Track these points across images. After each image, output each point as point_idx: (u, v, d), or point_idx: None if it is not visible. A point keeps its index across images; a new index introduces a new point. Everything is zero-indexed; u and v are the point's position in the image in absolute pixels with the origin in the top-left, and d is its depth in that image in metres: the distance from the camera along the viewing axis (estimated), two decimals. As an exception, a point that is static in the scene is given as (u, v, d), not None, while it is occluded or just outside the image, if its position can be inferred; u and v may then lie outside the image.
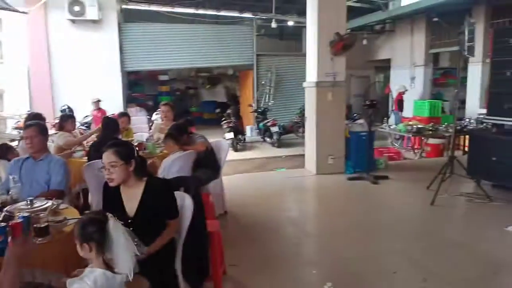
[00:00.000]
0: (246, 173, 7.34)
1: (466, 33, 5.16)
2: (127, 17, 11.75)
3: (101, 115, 8.29)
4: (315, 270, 3.51)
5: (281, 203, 5.45)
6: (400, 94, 11.17)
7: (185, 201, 2.59)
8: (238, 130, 10.45)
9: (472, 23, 5.23)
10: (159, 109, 6.42)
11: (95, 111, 8.76)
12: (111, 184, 2.40)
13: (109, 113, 7.63)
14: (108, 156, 2.36)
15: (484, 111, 6.68)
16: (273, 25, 11.57)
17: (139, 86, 14.91)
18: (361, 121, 7.77)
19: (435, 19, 10.54)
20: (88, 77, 10.05)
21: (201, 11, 11.52)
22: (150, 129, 6.90)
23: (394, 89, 11.37)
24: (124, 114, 5.84)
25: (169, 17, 11.79)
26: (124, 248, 1.84)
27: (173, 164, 4.01)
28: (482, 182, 5.45)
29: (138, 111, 11.13)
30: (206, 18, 12.12)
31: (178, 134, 4.37)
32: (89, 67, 10.11)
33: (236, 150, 9.90)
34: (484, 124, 6.95)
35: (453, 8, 9.91)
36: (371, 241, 4.09)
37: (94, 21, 9.91)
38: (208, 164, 4.54)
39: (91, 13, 9.63)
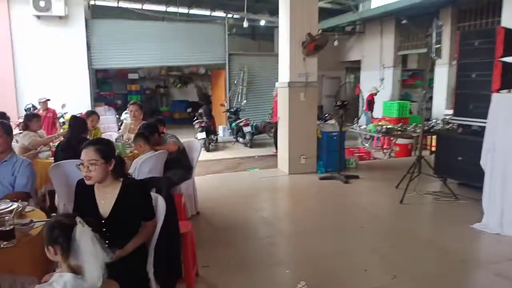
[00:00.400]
0: (218, 173, 7.29)
1: (434, 35, 5.30)
2: (95, 13, 11.46)
3: (52, 116, 7.83)
4: (288, 269, 3.51)
5: (254, 203, 5.44)
6: (371, 95, 11.40)
7: (157, 202, 2.54)
8: (210, 130, 10.38)
9: (440, 26, 5.37)
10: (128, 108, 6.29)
11: (43, 112, 7.60)
12: (88, 183, 2.33)
13: (72, 113, 7.25)
14: (88, 154, 2.29)
15: (451, 111, 6.88)
16: (245, 24, 11.56)
17: (108, 85, 14.59)
18: (332, 121, 7.89)
19: (404, 21, 10.81)
20: (54, 75, 9.74)
21: (171, 9, 11.37)
22: (119, 128, 6.74)
23: (366, 90, 11.60)
24: (93, 113, 5.67)
25: (138, 15, 11.60)
26: (91, 255, 1.74)
27: (144, 165, 3.93)
28: (449, 180, 5.62)
29: (106, 110, 10.87)
30: (177, 16, 11.98)
31: (149, 134, 4.29)
32: (55, 65, 9.79)
33: (208, 150, 9.83)
34: (451, 125, 7.18)
35: (421, 11, 10.20)
36: (343, 239, 4.14)
37: (60, 17, 9.61)
38: (180, 165, 4.48)
39: (57, 8, 9.32)
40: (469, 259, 3.65)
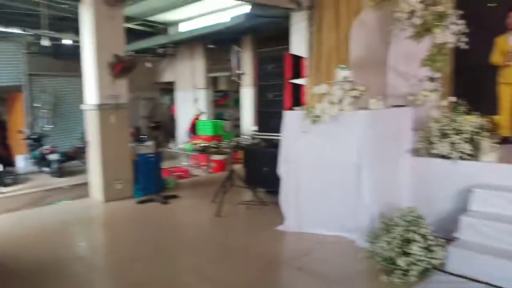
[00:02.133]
0: (17, 211, 6.32)
1: (234, 60, 5.82)
2: None
3: None
4: (103, 305, 3.28)
5: (64, 239, 4.89)
6: (196, 118, 11.69)
7: None
8: (6, 161, 8.96)
9: (237, 52, 5.92)
10: None
11: None
12: None
13: None
14: None
15: (256, 128, 7.57)
16: (46, 43, 10.50)
17: None
18: (149, 142, 7.78)
19: (210, 46, 11.55)
20: None
21: None
22: None
23: (183, 110, 11.87)
24: None
25: None
26: None
27: None
28: (258, 190, 6.17)
29: None
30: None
31: None
32: None
33: (4, 184, 8.47)
34: (257, 140, 7.92)
35: (225, 37, 11.04)
36: (164, 262, 4.07)
37: None
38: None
39: None
40: (275, 259, 4.07)
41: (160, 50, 14.00)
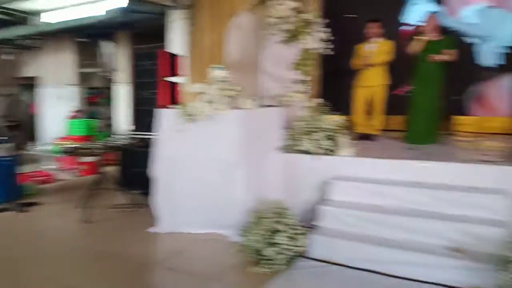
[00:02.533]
0: None
1: (107, 56, 5.48)
2: None
3: None
4: None
5: None
6: (73, 116, 10.69)
7: None
8: None
9: (110, 47, 5.59)
10: None
11: None
12: None
13: None
14: None
15: (133, 127, 7.23)
16: None
17: None
18: (5, 144, 6.88)
19: (80, 40, 10.69)
20: None
21: None
22: None
23: (53, 108, 10.80)
24: None
25: None
26: None
27: None
28: (133, 192, 5.88)
29: None
30: None
31: None
32: None
33: None
34: (133, 140, 7.54)
35: (101, 30, 10.31)
36: (15, 274, 3.62)
37: None
38: None
39: None
40: (147, 261, 3.92)
41: (22, 42, 12.52)
